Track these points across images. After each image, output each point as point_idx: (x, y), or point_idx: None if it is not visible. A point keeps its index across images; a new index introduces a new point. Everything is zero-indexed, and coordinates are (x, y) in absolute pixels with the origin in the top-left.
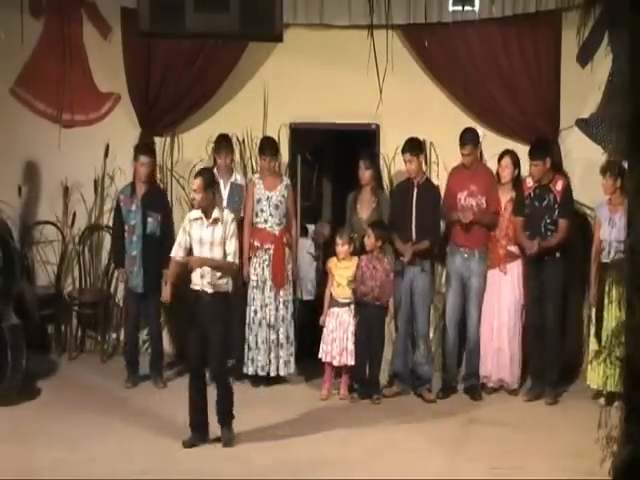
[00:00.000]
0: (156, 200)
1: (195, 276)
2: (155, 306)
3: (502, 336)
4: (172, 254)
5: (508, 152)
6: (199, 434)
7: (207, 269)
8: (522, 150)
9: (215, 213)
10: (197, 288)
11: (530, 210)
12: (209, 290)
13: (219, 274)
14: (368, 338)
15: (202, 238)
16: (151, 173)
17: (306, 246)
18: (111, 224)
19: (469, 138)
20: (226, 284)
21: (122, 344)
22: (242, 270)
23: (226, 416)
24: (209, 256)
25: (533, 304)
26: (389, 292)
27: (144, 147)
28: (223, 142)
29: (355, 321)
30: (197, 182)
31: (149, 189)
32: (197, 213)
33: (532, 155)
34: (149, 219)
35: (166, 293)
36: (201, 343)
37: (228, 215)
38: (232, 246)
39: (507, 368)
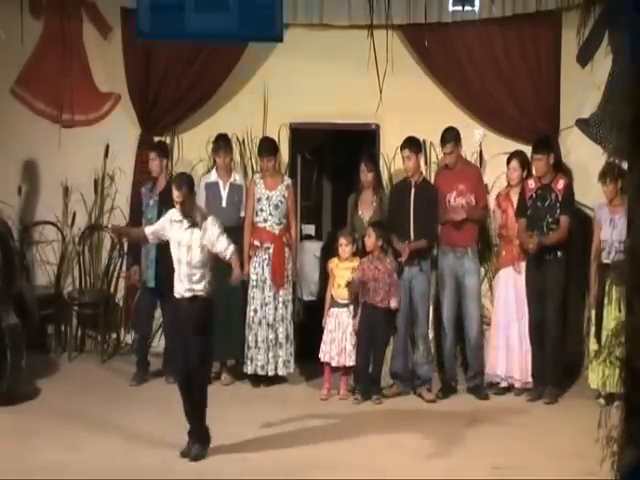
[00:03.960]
0: (172, 197)
1: (176, 283)
2: (170, 301)
3: (523, 336)
4: (145, 229)
5: (516, 154)
6: None
7: (184, 274)
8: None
9: (196, 217)
10: (178, 296)
11: (533, 211)
12: (187, 295)
13: (196, 278)
14: (370, 338)
15: (180, 240)
16: (161, 169)
17: (312, 249)
18: (127, 217)
19: (450, 137)
20: (204, 290)
21: (131, 343)
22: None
23: (197, 431)
24: (186, 258)
25: (534, 303)
26: (394, 291)
27: (153, 144)
28: (222, 142)
29: (354, 321)
30: (181, 194)
31: (167, 186)
32: (177, 215)
33: (535, 149)
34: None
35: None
36: (184, 356)
37: (212, 222)
38: (224, 243)
39: (528, 368)
